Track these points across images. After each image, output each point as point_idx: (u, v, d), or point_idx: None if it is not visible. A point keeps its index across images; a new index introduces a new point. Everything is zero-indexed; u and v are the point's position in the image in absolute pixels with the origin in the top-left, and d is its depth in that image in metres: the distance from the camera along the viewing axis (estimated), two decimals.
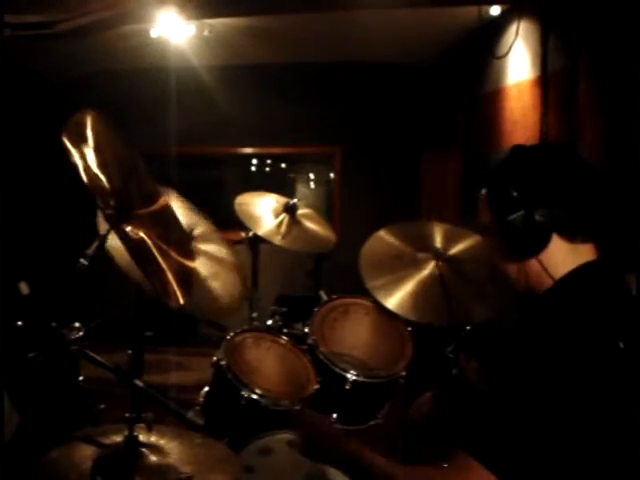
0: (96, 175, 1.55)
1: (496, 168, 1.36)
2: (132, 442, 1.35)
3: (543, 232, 1.25)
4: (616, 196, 2.73)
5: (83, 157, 1.52)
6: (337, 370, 2.29)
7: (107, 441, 1.39)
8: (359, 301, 2.56)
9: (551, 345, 1.16)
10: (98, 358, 1.55)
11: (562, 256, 1.27)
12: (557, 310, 1.23)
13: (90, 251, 1.64)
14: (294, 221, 2.96)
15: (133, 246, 1.59)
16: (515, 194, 1.26)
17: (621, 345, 1.15)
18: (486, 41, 4.40)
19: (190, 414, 1.43)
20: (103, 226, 1.79)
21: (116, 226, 1.58)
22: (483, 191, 1.38)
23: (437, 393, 2.08)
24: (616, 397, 1.14)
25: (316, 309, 2.52)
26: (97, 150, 1.59)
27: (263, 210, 3.00)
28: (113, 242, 1.75)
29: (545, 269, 1.27)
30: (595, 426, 1.13)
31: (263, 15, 4.49)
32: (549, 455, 1.12)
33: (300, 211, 3.03)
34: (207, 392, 2.29)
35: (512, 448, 1.13)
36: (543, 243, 1.26)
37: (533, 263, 1.29)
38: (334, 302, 2.58)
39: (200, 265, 2.25)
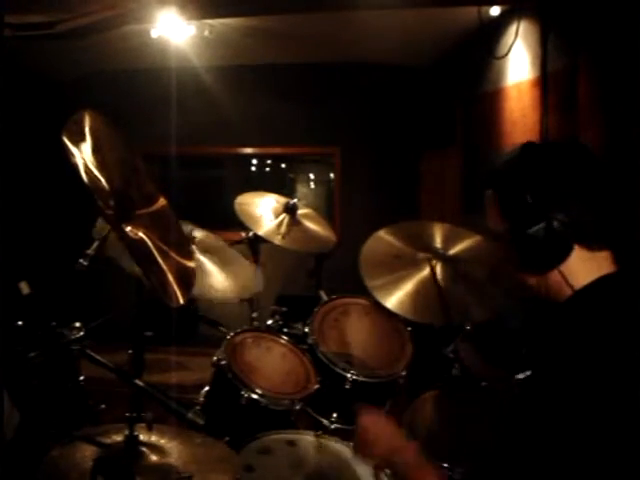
0: (96, 175, 1.55)
1: (507, 168, 1.29)
2: (132, 442, 1.35)
3: (564, 243, 1.21)
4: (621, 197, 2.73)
5: (83, 157, 1.52)
6: (337, 370, 2.29)
7: (107, 441, 1.39)
8: (359, 301, 2.56)
9: (573, 359, 1.14)
10: (99, 358, 1.55)
11: (581, 265, 1.23)
12: (578, 324, 1.20)
13: (90, 251, 1.65)
14: (294, 221, 2.96)
15: (133, 246, 1.59)
16: (531, 201, 1.21)
17: None
18: (486, 41, 4.40)
19: (190, 414, 1.43)
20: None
21: (116, 226, 1.58)
22: (489, 192, 1.30)
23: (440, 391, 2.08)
24: (636, 418, 1.10)
25: (316, 309, 2.53)
26: (97, 150, 1.59)
27: (263, 210, 3.00)
28: None
29: (565, 279, 1.23)
30: (614, 445, 1.09)
31: (263, 15, 4.49)
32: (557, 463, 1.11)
33: (300, 211, 3.03)
34: (207, 392, 2.29)
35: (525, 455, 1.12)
36: (564, 255, 1.22)
37: (554, 273, 1.25)
38: (334, 302, 2.58)
39: None
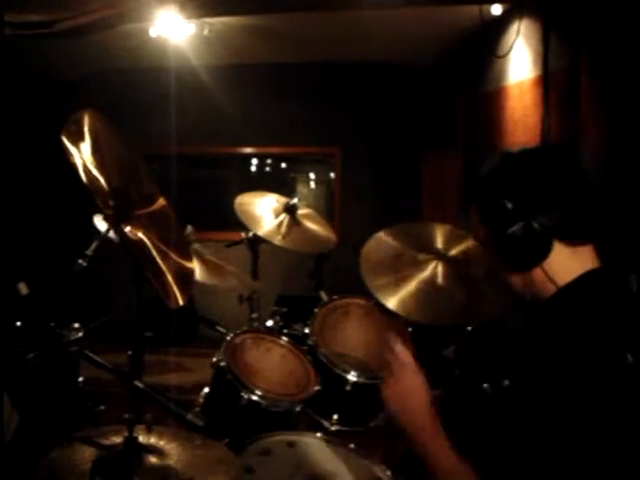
0: (95, 175, 1.54)
1: (486, 179, 1.31)
2: (132, 443, 1.34)
3: (544, 240, 1.22)
4: (617, 195, 2.72)
5: (82, 157, 1.52)
6: (337, 371, 2.28)
7: (107, 442, 1.38)
8: (359, 301, 2.55)
9: (556, 355, 1.14)
10: (98, 359, 1.55)
11: (564, 261, 1.24)
12: (562, 320, 1.20)
13: (89, 251, 1.64)
14: (294, 221, 2.95)
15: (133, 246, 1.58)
16: (510, 206, 1.22)
17: (630, 358, 1.11)
18: (487, 40, 4.40)
19: (190, 415, 1.42)
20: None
21: (115, 226, 1.57)
22: (472, 204, 1.33)
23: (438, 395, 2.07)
24: (620, 413, 1.10)
25: (316, 309, 2.51)
26: (96, 149, 1.58)
27: (263, 210, 2.99)
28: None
29: (549, 276, 1.24)
30: (595, 437, 1.09)
31: (263, 14, 4.48)
32: (543, 464, 1.10)
33: (300, 211, 3.02)
34: (207, 393, 2.28)
35: (505, 454, 1.12)
36: (545, 252, 1.23)
37: (537, 272, 1.25)
38: (334, 302, 2.57)
39: None
